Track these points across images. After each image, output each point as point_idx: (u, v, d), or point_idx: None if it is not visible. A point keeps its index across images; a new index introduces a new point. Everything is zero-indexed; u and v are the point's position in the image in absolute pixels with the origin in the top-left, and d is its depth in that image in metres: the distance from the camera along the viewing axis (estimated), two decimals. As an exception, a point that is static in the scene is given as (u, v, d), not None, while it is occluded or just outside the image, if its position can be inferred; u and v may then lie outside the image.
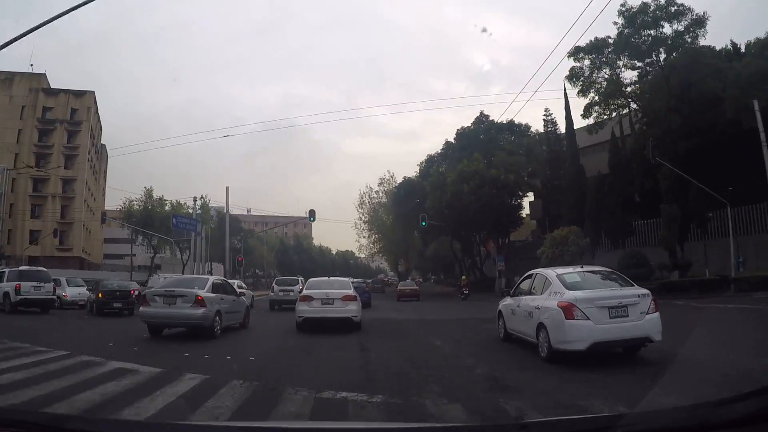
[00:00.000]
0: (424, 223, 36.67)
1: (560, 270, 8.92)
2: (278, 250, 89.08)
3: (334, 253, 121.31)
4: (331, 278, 16.88)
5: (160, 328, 12.21)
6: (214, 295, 12.55)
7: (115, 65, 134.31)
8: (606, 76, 27.65)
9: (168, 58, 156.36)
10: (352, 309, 13.35)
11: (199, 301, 11.81)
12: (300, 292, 16.39)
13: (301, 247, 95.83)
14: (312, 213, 33.26)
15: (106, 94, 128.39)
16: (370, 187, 64.56)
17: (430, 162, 47.92)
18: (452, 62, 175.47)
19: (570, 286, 8.05)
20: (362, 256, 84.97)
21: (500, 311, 10.59)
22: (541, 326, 8.11)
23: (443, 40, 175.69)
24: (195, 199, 42.61)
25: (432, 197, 37.86)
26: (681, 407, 2.27)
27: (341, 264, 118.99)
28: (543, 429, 2.17)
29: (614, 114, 28.98)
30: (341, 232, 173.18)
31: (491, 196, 34.76)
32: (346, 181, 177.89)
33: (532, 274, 9.57)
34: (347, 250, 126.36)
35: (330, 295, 13.54)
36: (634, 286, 8.18)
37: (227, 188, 40.38)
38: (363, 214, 62.72)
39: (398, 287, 36.45)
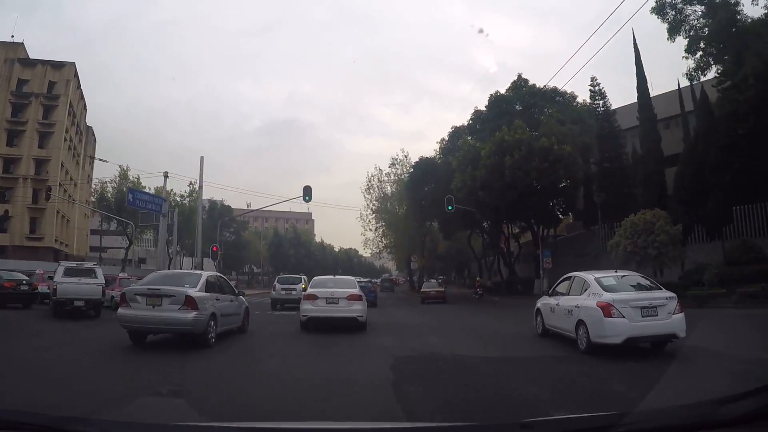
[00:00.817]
0: (450, 208, 30.16)
1: (598, 274, 10.36)
2: (272, 242, 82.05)
3: (336, 250, 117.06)
4: (336, 277, 17.80)
5: (142, 334, 10.53)
6: (208, 294, 10.82)
7: (120, 59, 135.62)
8: (701, 11, 22.66)
9: (174, 53, 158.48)
10: (358, 309, 13.58)
11: (190, 303, 10.00)
12: (303, 290, 17.18)
13: (298, 241, 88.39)
14: (307, 191, 26.49)
15: (111, 88, 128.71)
16: (380, 169, 55.14)
17: (456, 135, 40.42)
18: (459, 62, 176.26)
19: (607, 288, 9.54)
20: (367, 255, 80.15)
21: (539, 309, 12.11)
22: (580, 323, 9.58)
23: (450, 39, 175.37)
24: (166, 175, 32.45)
25: (460, 176, 31.31)
26: (683, 405, 2.26)
27: (344, 262, 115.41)
28: (545, 428, 2.22)
29: (713, 61, 22.98)
30: (345, 231, 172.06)
31: (542, 171, 28.21)
32: (350, 181, 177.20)
33: (570, 277, 11.06)
34: (350, 248, 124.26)
35: (335, 294, 13.74)
36: (662, 289, 9.78)
37: (201, 158, 33.75)
38: (370, 201, 53.87)
39: (422, 288, 34.00)
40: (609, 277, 10.07)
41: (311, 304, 13.58)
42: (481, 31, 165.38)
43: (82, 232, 62.18)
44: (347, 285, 14.65)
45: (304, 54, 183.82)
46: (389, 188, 52.95)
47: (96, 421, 2.82)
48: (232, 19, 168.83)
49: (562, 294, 10.93)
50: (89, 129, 66.04)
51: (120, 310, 10.26)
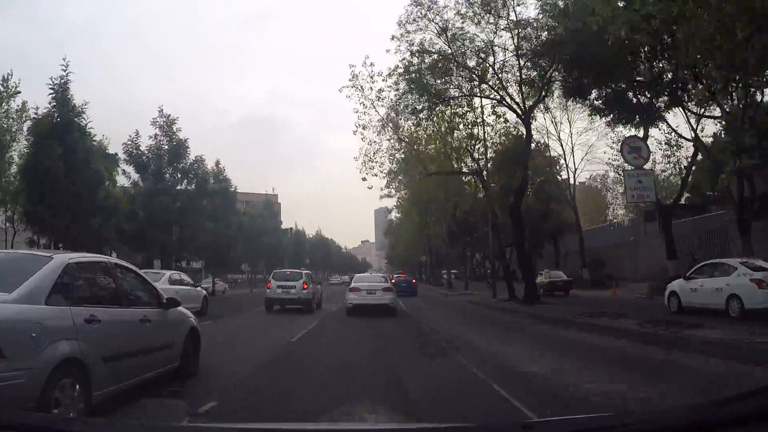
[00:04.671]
0: None
1: (740, 260, 15.11)
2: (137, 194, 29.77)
3: (310, 236, 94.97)
4: (372, 274, 28.45)
5: None
6: (47, 310, 4.58)
7: (99, 55, 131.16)
8: None
9: (154, 49, 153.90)
10: (389, 298, 19.05)
11: None
12: (304, 289, 20.32)
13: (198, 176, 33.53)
14: None
15: (91, 85, 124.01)
16: None
17: None
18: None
19: (753, 269, 13.74)
20: (352, 245, 65.30)
21: (674, 291, 16.15)
22: (732, 297, 13.62)
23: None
24: None
25: None
26: (682, 406, 2.59)
27: (317, 248, 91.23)
28: (546, 429, 2.31)
29: None
30: (326, 226, 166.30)
31: None
32: (330, 178, 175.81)
33: (713, 264, 15.69)
34: (329, 238, 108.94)
35: (373, 287, 19.40)
36: None
37: None
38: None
39: (548, 279, 28.06)
40: (750, 261, 14.76)
41: (356, 294, 18.94)
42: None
43: None
44: (381, 280, 21.08)
45: (284, 51, 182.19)
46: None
47: (95, 421, 3.13)
48: (213, 15, 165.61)
49: (703, 277, 15.10)
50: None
51: None
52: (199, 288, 21.04)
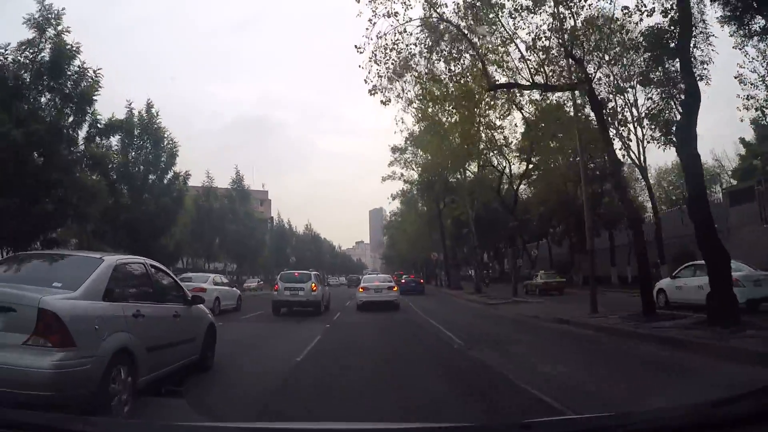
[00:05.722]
0: None
1: None
2: None
3: (300, 232, 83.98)
4: (379, 275, 31.10)
5: None
6: (105, 306, 5.23)
7: (90, 57, 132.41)
8: None
9: (145, 52, 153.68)
10: (394, 295, 22.19)
11: (51, 328, 4.55)
12: (312, 291, 20.04)
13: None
14: None
15: None
16: None
17: None
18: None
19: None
20: (349, 245, 60.14)
21: (661, 289, 17.74)
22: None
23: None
24: None
25: None
26: (681, 406, 2.41)
27: (306, 245, 79.90)
28: (545, 429, 2.30)
29: None
30: (322, 228, 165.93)
31: None
32: (323, 180, 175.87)
33: (695, 264, 16.32)
34: (319, 235, 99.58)
35: (380, 287, 22.43)
36: (758, 270, 15.72)
37: None
38: None
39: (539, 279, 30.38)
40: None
41: (365, 293, 21.91)
42: None
43: None
44: (386, 280, 24.19)
45: (276, 54, 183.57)
46: None
47: (97, 420, 3.02)
48: (205, 19, 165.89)
49: (687, 276, 16.56)
50: None
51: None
52: (234, 288, 23.86)
